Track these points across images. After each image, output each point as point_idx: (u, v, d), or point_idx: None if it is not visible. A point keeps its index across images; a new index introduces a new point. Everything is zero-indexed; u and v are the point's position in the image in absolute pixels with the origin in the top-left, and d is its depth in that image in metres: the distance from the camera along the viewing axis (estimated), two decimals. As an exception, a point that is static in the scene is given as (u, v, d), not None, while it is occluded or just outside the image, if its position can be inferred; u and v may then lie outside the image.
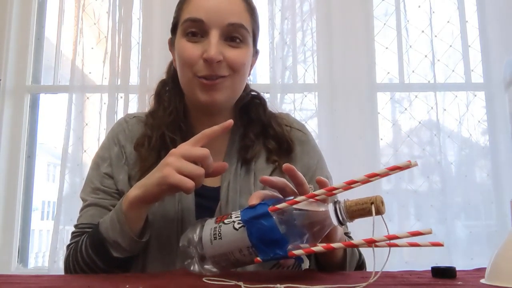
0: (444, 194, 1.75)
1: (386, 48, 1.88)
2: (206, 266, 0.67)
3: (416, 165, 0.55)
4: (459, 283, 0.62)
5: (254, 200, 0.64)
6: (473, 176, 1.81)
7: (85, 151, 1.79)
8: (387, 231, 0.57)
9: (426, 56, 1.84)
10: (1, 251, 1.82)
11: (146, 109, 1.00)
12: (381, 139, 1.82)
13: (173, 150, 0.73)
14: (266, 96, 1.01)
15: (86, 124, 1.82)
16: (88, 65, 1.85)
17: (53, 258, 1.69)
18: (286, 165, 0.69)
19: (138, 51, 1.84)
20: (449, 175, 1.79)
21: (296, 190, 0.69)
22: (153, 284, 0.62)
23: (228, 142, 0.93)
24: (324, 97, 1.80)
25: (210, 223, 0.67)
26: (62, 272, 0.85)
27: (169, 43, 0.95)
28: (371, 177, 0.58)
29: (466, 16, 1.89)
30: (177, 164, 0.70)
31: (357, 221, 0.60)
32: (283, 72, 1.84)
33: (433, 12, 1.85)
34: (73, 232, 0.88)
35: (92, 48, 1.88)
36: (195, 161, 0.71)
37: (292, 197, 0.64)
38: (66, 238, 1.71)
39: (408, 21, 1.87)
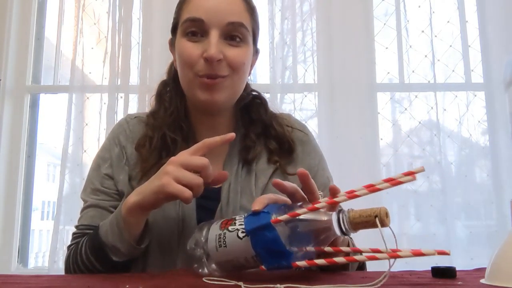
0: (444, 194, 1.75)
1: (386, 48, 1.88)
2: (213, 266, 0.68)
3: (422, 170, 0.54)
4: (459, 283, 0.62)
5: (257, 205, 0.63)
6: (473, 176, 1.82)
7: (85, 151, 1.79)
8: (385, 246, 0.55)
9: (426, 56, 1.84)
10: (1, 251, 1.82)
11: (146, 109, 1.01)
12: (381, 139, 1.82)
13: (172, 158, 0.72)
14: (266, 96, 1.00)
15: (86, 124, 1.82)
16: (88, 65, 1.85)
17: (53, 258, 1.69)
18: (301, 170, 0.68)
19: (138, 51, 1.84)
20: (449, 175, 1.79)
21: (305, 196, 0.68)
22: (153, 284, 0.62)
23: (229, 143, 0.93)
24: (324, 97, 1.80)
25: (215, 229, 0.67)
26: (62, 272, 0.85)
27: (170, 44, 0.95)
28: (370, 189, 0.57)
29: (466, 16, 1.89)
30: (175, 173, 0.69)
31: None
32: (283, 72, 1.84)
33: (433, 12, 1.85)
34: (73, 233, 0.88)
35: (92, 48, 1.88)
36: (194, 170, 0.71)
37: (299, 203, 0.64)
38: (66, 238, 1.71)
39: (408, 21, 1.87)
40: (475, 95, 1.84)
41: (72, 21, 1.88)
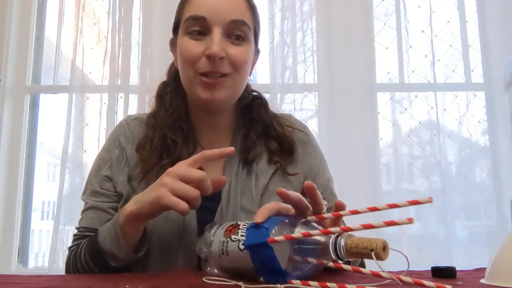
0: (444, 194, 1.75)
1: (386, 48, 1.88)
2: (217, 268, 0.68)
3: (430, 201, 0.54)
4: (459, 283, 0.62)
5: (259, 218, 0.62)
6: (473, 176, 1.81)
7: (85, 151, 1.79)
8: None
9: (426, 56, 1.84)
10: (1, 251, 1.82)
11: (146, 109, 1.01)
12: (381, 139, 1.82)
13: (170, 170, 0.72)
14: (266, 96, 1.00)
15: (86, 124, 1.82)
16: (88, 65, 1.85)
17: (53, 258, 1.69)
18: (308, 183, 0.68)
19: (138, 51, 1.84)
20: (449, 175, 1.79)
21: (310, 206, 0.68)
22: (153, 284, 0.62)
23: (230, 142, 0.93)
24: (324, 97, 1.80)
25: (220, 234, 0.67)
26: (62, 272, 0.86)
27: (170, 43, 0.95)
28: (365, 225, 0.57)
29: (466, 16, 1.89)
30: (172, 185, 0.69)
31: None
32: (283, 72, 1.84)
33: (433, 12, 1.85)
34: (74, 235, 0.89)
35: (92, 48, 1.88)
36: (193, 184, 0.70)
37: (303, 220, 0.64)
38: (66, 238, 1.71)
39: (408, 21, 1.87)
40: (475, 95, 1.84)
41: (72, 21, 1.88)
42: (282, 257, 0.59)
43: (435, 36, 1.85)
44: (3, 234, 1.83)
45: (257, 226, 0.62)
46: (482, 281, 0.63)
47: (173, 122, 0.89)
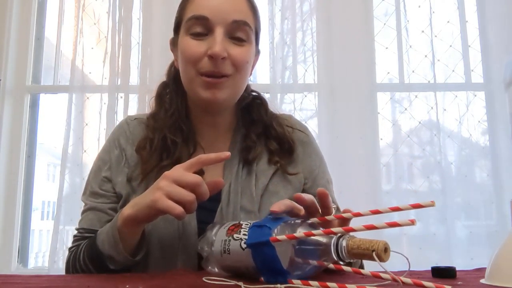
0: (444, 194, 1.75)
1: (386, 48, 1.88)
2: (218, 267, 0.68)
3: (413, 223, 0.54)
4: (459, 283, 0.62)
5: (276, 207, 0.63)
6: (473, 176, 1.81)
7: (85, 151, 1.79)
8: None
9: (426, 56, 1.84)
10: (1, 251, 1.82)
11: (146, 109, 1.00)
12: (381, 139, 1.82)
13: (166, 173, 0.72)
14: (266, 96, 1.01)
15: (86, 124, 1.82)
16: (88, 65, 1.85)
17: (53, 258, 1.69)
18: (321, 190, 0.67)
19: (138, 51, 1.84)
20: (449, 175, 1.79)
21: (319, 209, 0.69)
22: (153, 284, 0.62)
23: (230, 143, 0.93)
24: (324, 97, 1.80)
25: (222, 233, 0.67)
26: (62, 272, 0.86)
27: (171, 44, 0.95)
28: (367, 226, 0.57)
29: (466, 16, 1.89)
30: (167, 189, 0.69)
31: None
32: (283, 72, 1.84)
33: (433, 12, 1.85)
34: (74, 236, 0.90)
35: (92, 48, 1.88)
36: (189, 188, 0.69)
37: (309, 221, 0.65)
38: (66, 238, 1.71)
39: (408, 21, 1.87)
40: (475, 95, 1.84)
41: (72, 21, 1.88)
42: (283, 257, 0.59)
43: (435, 36, 1.85)
44: (3, 234, 1.83)
45: (259, 225, 0.63)
46: (482, 281, 0.63)
47: (173, 123, 0.89)
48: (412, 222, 0.52)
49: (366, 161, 1.74)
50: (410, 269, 0.69)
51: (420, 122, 1.82)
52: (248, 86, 0.96)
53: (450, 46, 1.87)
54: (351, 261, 0.59)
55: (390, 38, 1.88)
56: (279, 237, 0.59)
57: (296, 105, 1.81)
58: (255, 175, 0.89)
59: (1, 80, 1.86)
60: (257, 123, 0.94)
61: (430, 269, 0.69)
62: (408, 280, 0.55)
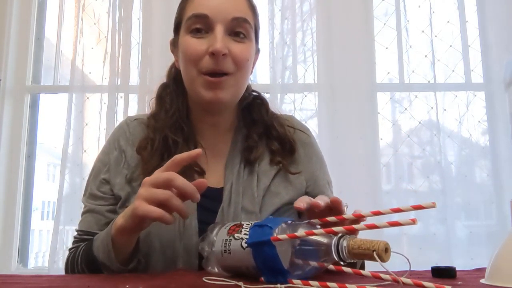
0: (444, 194, 1.75)
1: (386, 48, 1.88)
2: (219, 267, 0.69)
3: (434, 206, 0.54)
4: (459, 283, 0.62)
5: (300, 203, 0.65)
6: (473, 176, 1.82)
7: (85, 151, 1.79)
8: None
9: (426, 56, 1.84)
10: (1, 251, 1.82)
11: (146, 109, 1.00)
12: (381, 139, 1.82)
13: (144, 180, 0.71)
14: (266, 96, 1.01)
15: (86, 124, 1.82)
16: (88, 65, 1.85)
17: (53, 258, 1.69)
18: (334, 198, 0.68)
19: (138, 51, 1.84)
20: (449, 175, 1.79)
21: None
22: (153, 284, 0.62)
23: (231, 143, 0.93)
24: (324, 97, 1.80)
25: (223, 233, 0.68)
26: (62, 272, 0.86)
27: (171, 44, 0.95)
28: (369, 225, 0.57)
29: (466, 16, 1.89)
30: (145, 194, 0.68)
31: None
32: (283, 72, 1.84)
33: (433, 12, 1.85)
34: (74, 237, 0.90)
35: (92, 48, 1.88)
36: (164, 186, 0.68)
37: (306, 221, 0.65)
38: (66, 238, 1.72)
39: (408, 21, 1.87)
40: (475, 95, 1.84)
41: (72, 21, 1.88)
42: (284, 256, 0.59)
43: (435, 36, 1.85)
44: (3, 234, 1.83)
45: (261, 225, 0.63)
46: (482, 281, 0.63)
47: (173, 123, 0.89)
48: (413, 222, 0.53)
49: (366, 161, 1.74)
50: (411, 269, 0.70)
51: (420, 122, 1.82)
52: (248, 86, 0.96)
53: (450, 46, 1.87)
54: (352, 261, 0.59)
55: (390, 38, 1.88)
56: (280, 236, 0.59)
57: (296, 105, 1.82)
58: (256, 175, 0.89)
59: (1, 80, 1.86)
60: (258, 123, 0.94)
61: (430, 269, 0.69)
62: (408, 281, 0.55)
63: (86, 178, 0.95)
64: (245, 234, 0.64)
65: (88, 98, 1.85)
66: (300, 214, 0.92)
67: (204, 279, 0.63)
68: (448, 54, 1.87)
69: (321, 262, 0.61)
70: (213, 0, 0.85)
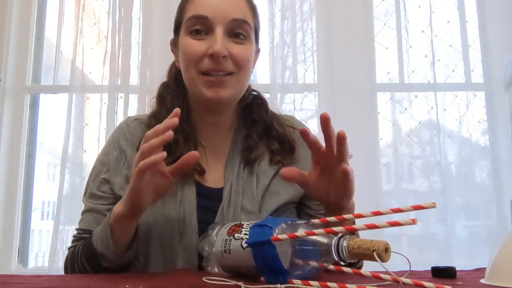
0: (444, 194, 1.75)
1: (386, 48, 1.88)
2: (219, 267, 0.69)
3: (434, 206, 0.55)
4: (459, 283, 0.62)
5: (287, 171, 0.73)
6: (473, 176, 1.81)
7: (85, 151, 1.79)
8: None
9: (426, 56, 1.84)
10: (1, 251, 1.82)
11: (146, 109, 1.00)
12: (381, 139, 1.82)
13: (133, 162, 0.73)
14: (266, 96, 1.01)
15: (86, 124, 1.82)
16: (88, 65, 1.85)
17: (53, 258, 1.69)
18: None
19: (138, 51, 1.84)
20: (449, 175, 1.79)
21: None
22: (153, 284, 0.62)
23: (231, 142, 0.93)
24: (324, 97, 1.80)
25: (223, 233, 0.68)
26: (62, 272, 0.86)
27: (171, 44, 0.95)
28: (369, 225, 0.57)
29: (466, 16, 1.89)
30: (136, 162, 0.70)
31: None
32: (283, 72, 1.84)
33: (433, 12, 1.85)
34: (73, 236, 0.90)
35: (92, 48, 1.88)
36: (149, 152, 0.70)
37: (306, 221, 0.65)
38: (66, 238, 1.71)
39: (408, 21, 1.87)
40: (475, 95, 1.84)
41: (72, 21, 1.88)
42: (284, 256, 0.59)
43: (435, 36, 1.85)
44: (3, 234, 1.83)
45: (261, 225, 0.63)
46: (482, 281, 0.63)
47: None
48: (413, 222, 0.53)
49: (366, 161, 1.74)
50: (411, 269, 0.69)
51: (420, 122, 1.82)
52: (248, 86, 0.96)
53: (450, 46, 1.87)
54: (352, 261, 0.59)
55: (390, 38, 1.88)
56: (280, 236, 0.59)
57: (296, 105, 1.81)
58: (256, 175, 0.89)
59: (1, 80, 1.86)
60: (258, 123, 0.94)
61: (430, 269, 0.69)
62: (408, 281, 0.55)
63: (86, 178, 0.95)
64: (245, 234, 0.64)
65: (88, 98, 1.85)
66: (300, 215, 0.92)
67: (204, 279, 0.63)
68: (448, 54, 1.87)
69: (321, 262, 0.61)
70: (213, 1, 0.85)
